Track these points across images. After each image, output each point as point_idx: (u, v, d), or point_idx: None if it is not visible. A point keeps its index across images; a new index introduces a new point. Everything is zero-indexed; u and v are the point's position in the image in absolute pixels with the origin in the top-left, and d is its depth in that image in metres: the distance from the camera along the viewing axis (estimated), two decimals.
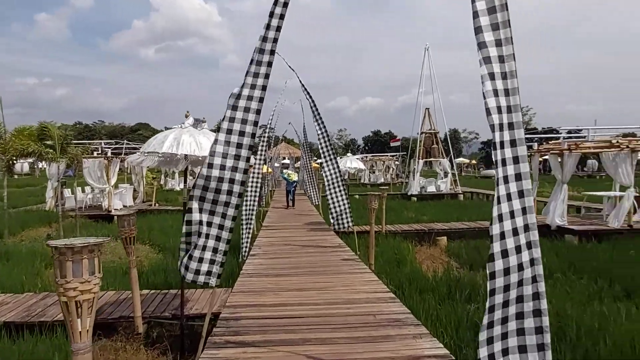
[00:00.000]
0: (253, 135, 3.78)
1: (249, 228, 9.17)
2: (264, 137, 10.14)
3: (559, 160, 12.64)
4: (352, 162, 28.43)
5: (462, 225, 13.26)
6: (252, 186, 9.36)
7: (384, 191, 12.71)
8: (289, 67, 9.39)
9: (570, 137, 20.85)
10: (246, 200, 9.22)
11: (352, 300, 5.43)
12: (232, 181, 3.77)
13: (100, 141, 24.18)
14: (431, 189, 26.33)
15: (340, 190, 9.18)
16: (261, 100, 3.77)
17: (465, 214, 17.10)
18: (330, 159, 9.30)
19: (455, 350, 4.77)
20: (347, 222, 9.37)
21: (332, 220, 9.33)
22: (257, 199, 9.30)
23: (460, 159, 67.35)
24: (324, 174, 9.35)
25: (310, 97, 9.07)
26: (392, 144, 61.03)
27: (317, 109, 9.14)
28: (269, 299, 5.61)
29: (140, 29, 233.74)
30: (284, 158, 43.47)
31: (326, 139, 9.15)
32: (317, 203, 16.99)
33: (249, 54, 3.77)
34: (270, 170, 24.21)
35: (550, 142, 13.75)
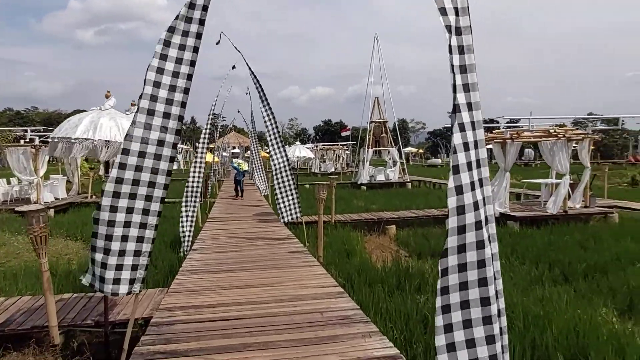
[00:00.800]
0: (180, 118, 3.31)
1: (192, 221, 8.60)
2: (208, 124, 9.51)
3: (502, 149, 13.00)
4: (300, 151, 28.18)
5: (410, 213, 13.36)
6: (194, 176, 8.76)
7: (333, 180, 12.50)
8: (235, 48, 8.81)
9: (509, 127, 21.70)
10: (187, 192, 8.62)
11: (299, 297, 5.12)
12: (154, 171, 3.29)
13: (25, 128, 22.06)
14: (380, 177, 26.61)
15: (288, 180, 8.81)
16: (189, 78, 3.30)
17: (414, 202, 17.36)
18: (279, 148, 8.89)
19: (405, 345, 4.61)
20: (296, 213, 9.03)
21: (280, 212, 8.96)
22: (199, 189, 8.73)
23: (408, 149, 69.04)
24: (272, 164, 8.93)
25: (257, 80, 8.56)
26: (342, 134, 61.19)
27: (264, 94, 8.67)
28: (209, 298, 5.16)
29: (77, 9, 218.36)
30: (234, 147, 42.35)
31: (274, 126, 8.71)
32: (266, 193, 16.52)
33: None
34: (217, 159, 23.35)
35: (493, 132, 14.15)
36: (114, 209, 3.27)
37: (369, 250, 10.09)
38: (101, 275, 3.38)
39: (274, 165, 8.84)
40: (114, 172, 3.24)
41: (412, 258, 9.87)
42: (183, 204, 8.53)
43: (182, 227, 8.34)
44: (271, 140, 8.90)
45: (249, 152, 29.79)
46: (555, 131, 12.23)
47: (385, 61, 28.44)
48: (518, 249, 9.59)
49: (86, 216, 13.64)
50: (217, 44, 9.13)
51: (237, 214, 13.50)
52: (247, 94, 15.61)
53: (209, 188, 16.73)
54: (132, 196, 3.28)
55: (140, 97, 3.30)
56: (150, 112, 3.27)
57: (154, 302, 5.15)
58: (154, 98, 3.28)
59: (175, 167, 47.70)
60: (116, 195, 3.27)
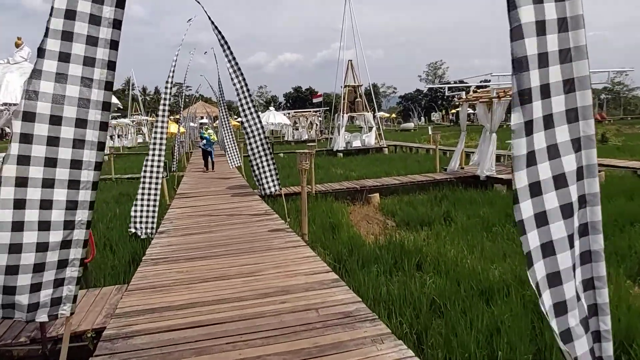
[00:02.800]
0: (111, 65, 2.31)
1: (154, 200, 7.55)
2: (168, 90, 8.30)
3: (487, 109, 12.33)
4: (275, 117, 26.82)
5: (394, 180, 12.67)
6: (154, 148, 7.63)
7: (312, 148, 11.58)
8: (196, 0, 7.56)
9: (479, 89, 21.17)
10: (147, 166, 7.52)
11: (287, 289, 4.30)
12: (78, 144, 2.30)
13: None
14: (357, 143, 25.81)
15: (264, 150, 7.83)
16: (120, 4, 2.28)
17: (393, 168, 16.71)
18: (251, 114, 7.84)
19: (419, 346, 3.89)
20: (274, 185, 8.11)
21: (257, 184, 8.02)
22: (161, 163, 7.64)
23: (380, 113, 68.33)
24: (244, 133, 7.90)
25: (220, 33, 7.38)
26: (314, 100, 59.70)
27: (230, 52, 7.52)
28: (178, 296, 4.27)
29: None
30: (202, 118, 40.45)
31: (244, 90, 7.61)
32: (239, 164, 15.45)
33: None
34: (183, 130, 21.87)
35: (479, 90, 13.45)
36: (19, 204, 2.26)
37: (354, 222, 9.35)
38: (7, 302, 2.38)
39: (247, 134, 7.81)
40: (13, 149, 2.21)
41: (400, 228, 9.21)
42: (141, 180, 7.45)
43: (139, 207, 7.29)
44: (242, 106, 7.82)
45: (217, 121, 28.30)
46: None
47: (353, 27, 27.04)
48: (511, 214, 9.03)
49: None
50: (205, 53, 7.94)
51: (208, 188, 12.47)
52: (205, 52, 14.25)
53: (176, 161, 15.50)
54: (48, 183, 2.28)
55: (45, 35, 2.26)
56: (64, 57, 2.23)
57: (109, 304, 4.22)
58: (67, 36, 2.24)
59: (140, 140, 45.34)
60: (21, 182, 2.26)
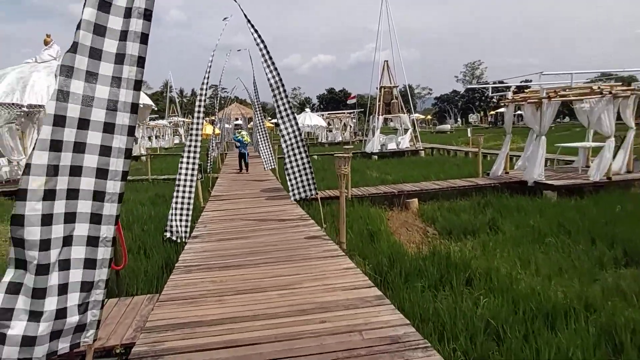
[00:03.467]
0: (141, 63, 2.04)
1: (189, 203, 7.39)
2: (204, 90, 8.15)
3: (536, 110, 11.56)
4: (311, 119, 26.58)
5: (433, 185, 12.09)
6: (189, 150, 7.48)
7: (349, 150, 11.21)
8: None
9: (520, 90, 20.12)
10: (181, 169, 7.37)
11: (326, 305, 3.95)
12: (106, 150, 2.04)
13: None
14: (392, 146, 25.24)
15: (300, 153, 7.51)
16: None
17: (431, 172, 16.08)
18: (287, 116, 7.53)
19: None
20: (311, 190, 7.79)
21: (291, 188, 7.72)
22: (196, 165, 7.48)
23: (415, 115, 67.13)
24: (280, 135, 7.61)
25: (257, 31, 7.13)
26: (348, 101, 59.36)
27: (267, 51, 7.26)
28: (210, 310, 4.01)
29: None
30: (236, 119, 40.86)
31: (281, 89, 7.33)
32: (273, 167, 15.27)
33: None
34: (218, 131, 21.99)
35: (526, 91, 12.67)
36: (46, 221, 1.99)
37: (393, 229, 8.90)
38: (26, 356, 2.06)
39: (283, 136, 7.52)
40: (41, 157, 1.95)
41: (442, 237, 8.69)
42: (176, 183, 7.29)
43: (174, 211, 7.12)
44: (279, 107, 7.53)
45: (251, 123, 28.35)
46: (599, 87, 10.75)
47: (389, 27, 26.43)
48: (565, 224, 8.34)
49: None
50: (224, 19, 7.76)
51: (242, 190, 12.33)
52: (239, 50, 14.17)
53: (211, 162, 15.50)
54: (72, 195, 2.02)
55: (78, 28, 2.01)
56: (95, 54, 1.98)
57: (140, 316, 4.00)
58: (99, 29, 1.98)
59: (177, 140, 46.27)
60: (49, 196, 1.99)
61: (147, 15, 2.02)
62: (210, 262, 5.54)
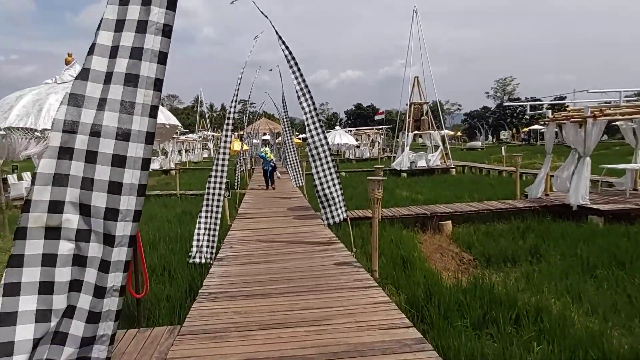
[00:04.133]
0: (158, 86, 1.78)
1: (215, 223, 7.16)
2: (233, 107, 7.99)
3: (579, 130, 10.89)
4: (341, 137, 26.30)
5: (468, 206, 11.52)
6: (217, 169, 7.29)
7: (379, 170, 10.82)
8: (262, 13, 7.23)
9: (554, 107, 19.20)
10: (209, 188, 7.17)
11: (360, 349, 3.57)
12: (116, 187, 1.77)
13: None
14: (422, 163, 24.65)
15: (331, 173, 7.19)
16: (171, 6, 1.76)
17: (464, 191, 15.49)
18: (317, 135, 7.23)
19: None
20: (341, 213, 7.43)
21: (323, 212, 7.37)
22: (223, 184, 7.27)
23: (445, 131, 66.09)
24: (310, 155, 7.31)
25: (287, 48, 6.93)
26: (376, 117, 59.00)
27: (298, 68, 7.05)
28: (234, 348, 3.69)
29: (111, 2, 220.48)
30: (265, 134, 41.11)
31: (312, 110, 7.06)
32: (301, 184, 15.01)
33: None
34: (246, 147, 22.02)
35: (568, 109, 12.03)
36: (49, 261, 1.73)
37: (427, 255, 8.42)
38: None
39: (313, 156, 7.21)
40: (42, 193, 1.70)
41: (480, 264, 8.15)
42: (204, 202, 7.09)
43: (201, 231, 6.89)
44: (309, 126, 7.24)
45: (279, 138, 28.38)
46: None
47: (414, 41, 26.07)
48: (617, 254, 7.66)
49: None
50: (231, 2, 7.68)
51: (270, 208, 12.10)
52: (270, 70, 14.07)
53: (239, 178, 15.40)
54: (82, 236, 1.76)
55: (90, 52, 1.78)
56: (107, 77, 1.74)
57: (159, 352, 3.72)
58: (113, 51, 1.75)
59: (206, 155, 46.89)
60: (52, 234, 1.75)
61: (167, 31, 1.77)
62: (235, 289, 5.25)
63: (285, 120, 18.08)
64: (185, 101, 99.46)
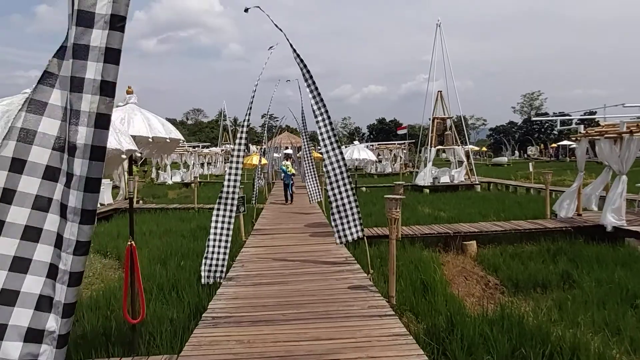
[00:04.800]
0: (107, 90, 1.50)
1: (226, 241, 6.87)
2: (245, 121, 7.78)
3: (613, 146, 10.24)
4: (360, 152, 25.89)
5: (493, 226, 10.93)
6: (228, 185, 7.03)
7: (400, 187, 10.40)
8: (276, 26, 7.04)
9: (584, 122, 18.30)
10: (220, 204, 6.91)
11: None
12: (45, 207, 1.48)
13: None
14: (445, 179, 23.99)
15: (346, 190, 6.84)
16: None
17: (490, 210, 14.82)
18: (333, 150, 6.92)
19: None
20: (357, 231, 7.05)
21: (335, 230, 7.02)
22: (235, 201, 7.01)
23: (469, 146, 64.88)
24: (324, 168, 7.00)
25: (302, 61, 6.70)
26: (398, 132, 58.49)
27: (313, 82, 6.79)
28: None
29: (142, 20, 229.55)
30: (287, 148, 41.14)
31: (324, 116, 6.76)
32: (319, 199, 14.69)
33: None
34: (265, 161, 21.90)
35: (603, 125, 11.37)
36: None
37: (449, 278, 7.92)
38: None
39: (328, 171, 6.90)
40: None
41: (507, 289, 7.59)
42: (213, 219, 6.83)
43: (210, 250, 6.60)
44: (324, 140, 6.94)
45: (300, 152, 28.25)
46: None
47: (438, 56, 25.60)
48: None
49: (124, 225, 12.56)
50: (245, 11, 7.50)
51: (286, 224, 11.80)
52: (288, 81, 13.92)
53: (256, 193, 15.20)
54: (20, 266, 1.48)
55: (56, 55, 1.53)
56: (60, 82, 1.47)
57: None
58: (62, 52, 1.48)
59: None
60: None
61: (117, 25, 1.49)
62: (241, 314, 4.92)
63: (304, 134, 17.89)
64: (209, 115, 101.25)
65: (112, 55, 1.49)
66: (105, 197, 16.99)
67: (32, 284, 1.48)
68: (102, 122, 1.48)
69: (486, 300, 6.91)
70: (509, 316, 5.19)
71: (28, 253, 1.48)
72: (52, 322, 1.49)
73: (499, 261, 8.93)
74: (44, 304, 1.49)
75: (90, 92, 1.46)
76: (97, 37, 1.48)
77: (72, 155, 1.47)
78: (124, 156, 2.77)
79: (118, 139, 2.75)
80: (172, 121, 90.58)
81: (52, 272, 1.48)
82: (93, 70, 1.48)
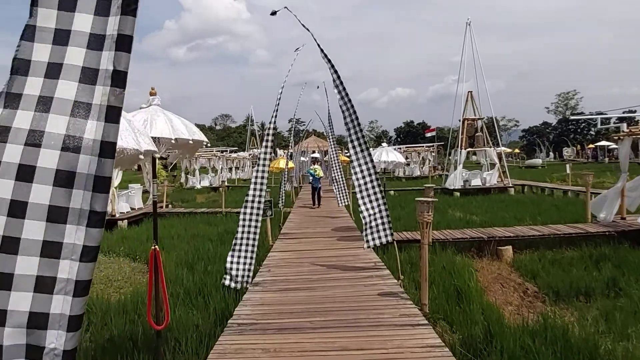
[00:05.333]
0: (118, 80, 1.36)
1: (253, 245, 6.76)
2: (271, 124, 7.68)
3: None
4: (388, 155, 25.46)
5: (530, 230, 10.42)
6: (255, 188, 6.93)
7: (429, 189, 10.07)
8: (303, 26, 6.93)
9: (623, 121, 17.29)
10: (246, 208, 6.81)
11: None
12: (59, 214, 1.35)
13: None
14: (476, 182, 23.29)
15: (375, 193, 6.62)
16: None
17: (525, 213, 14.18)
18: (362, 152, 6.72)
19: None
20: (386, 235, 6.80)
21: (364, 233, 6.80)
22: (261, 205, 6.89)
23: (502, 148, 63.14)
24: (353, 173, 6.79)
25: (330, 61, 6.54)
26: (426, 134, 57.71)
27: (341, 82, 6.61)
28: None
29: (172, 29, 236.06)
30: (314, 152, 41.12)
31: (353, 117, 6.57)
32: (347, 203, 14.48)
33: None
34: (292, 165, 21.85)
35: None
36: None
37: (485, 285, 7.54)
38: None
39: (356, 173, 6.70)
40: None
41: (548, 297, 7.17)
42: (239, 224, 6.73)
43: (235, 254, 6.50)
44: (352, 140, 6.76)
45: (327, 156, 28.09)
46: None
47: (470, 56, 24.90)
48: None
49: (158, 229, 12.69)
50: (272, 14, 7.41)
51: (314, 228, 11.65)
52: (318, 87, 13.77)
53: (283, 196, 15.14)
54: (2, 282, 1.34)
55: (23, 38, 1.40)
56: (53, 71, 1.34)
57: None
58: (61, 36, 1.35)
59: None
60: None
61: (129, 8, 1.36)
62: (267, 321, 4.77)
63: (331, 137, 17.74)
64: (237, 120, 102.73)
65: (124, 42, 1.36)
66: (136, 201, 17.33)
67: (20, 301, 1.35)
68: (112, 115, 1.35)
69: (525, 309, 6.52)
70: (552, 327, 4.84)
71: (48, 269, 1.35)
72: (52, 338, 1.36)
73: (538, 267, 8.48)
74: (36, 319, 1.35)
75: (102, 84, 1.33)
76: (111, 25, 1.35)
77: (78, 152, 1.34)
78: (141, 156, 2.67)
79: (136, 139, 2.66)
80: (201, 127, 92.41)
81: (44, 285, 1.33)
82: (106, 60, 1.35)
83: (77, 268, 1.34)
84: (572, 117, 61.07)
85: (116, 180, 15.44)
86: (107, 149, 1.35)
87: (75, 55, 1.34)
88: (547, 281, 7.62)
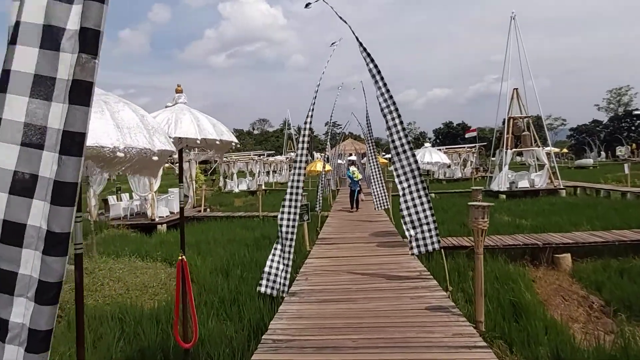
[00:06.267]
0: (88, 44, 0.98)
1: (289, 252, 6.38)
2: (307, 126, 7.28)
3: None
4: (431, 156, 24.43)
5: (591, 236, 9.49)
6: (292, 192, 6.56)
7: (478, 192, 9.38)
8: (340, 18, 6.53)
9: None
10: (283, 214, 6.45)
11: None
12: (12, 235, 0.98)
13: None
14: (523, 184, 22.03)
15: (420, 197, 6.09)
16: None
17: (581, 217, 13.09)
18: (404, 152, 6.19)
19: None
20: (432, 243, 6.25)
21: (409, 240, 6.27)
22: (297, 209, 6.51)
23: (550, 148, 60.15)
24: (394, 172, 6.28)
25: (370, 56, 6.08)
26: (467, 135, 55.74)
27: (382, 77, 6.14)
28: None
29: (212, 37, 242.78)
30: (350, 154, 40.60)
31: (396, 116, 6.07)
32: (386, 207, 13.90)
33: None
34: (329, 168, 21.45)
35: None
36: None
37: (543, 298, 6.82)
38: None
39: (399, 174, 6.17)
40: None
41: (621, 315, 6.35)
42: (278, 229, 6.36)
43: (275, 262, 6.13)
44: (394, 142, 6.22)
45: (364, 159, 27.50)
46: None
47: (514, 53, 23.54)
48: None
49: (194, 233, 12.65)
50: (306, 6, 7.05)
51: (352, 233, 11.18)
52: (354, 88, 13.35)
53: (320, 200, 14.76)
54: None
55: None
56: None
57: None
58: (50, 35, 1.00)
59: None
60: None
61: None
62: (305, 337, 4.37)
63: (369, 140, 17.20)
64: (274, 124, 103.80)
65: None
66: (175, 205, 17.46)
67: None
68: (78, 93, 0.96)
69: (594, 327, 5.79)
70: (635, 350, 4.14)
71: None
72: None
73: (603, 278, 7.64)
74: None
75: (71, 51, 0.96)
76: None
77: (43, 143, 0.96)
78: (155, 158, 2.35)
79: (149, 137, 2.33)
80: (239, 131, 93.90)
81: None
82: (76, 17, 0.97)
83: (32, 310, 0.97)
84: (635, 112, 56.97)
85: (156, 184, 15.60)
86: (70, 142, 0.96)
87: (34, 12, 0.98)
88: (617, 294, 6.80)
